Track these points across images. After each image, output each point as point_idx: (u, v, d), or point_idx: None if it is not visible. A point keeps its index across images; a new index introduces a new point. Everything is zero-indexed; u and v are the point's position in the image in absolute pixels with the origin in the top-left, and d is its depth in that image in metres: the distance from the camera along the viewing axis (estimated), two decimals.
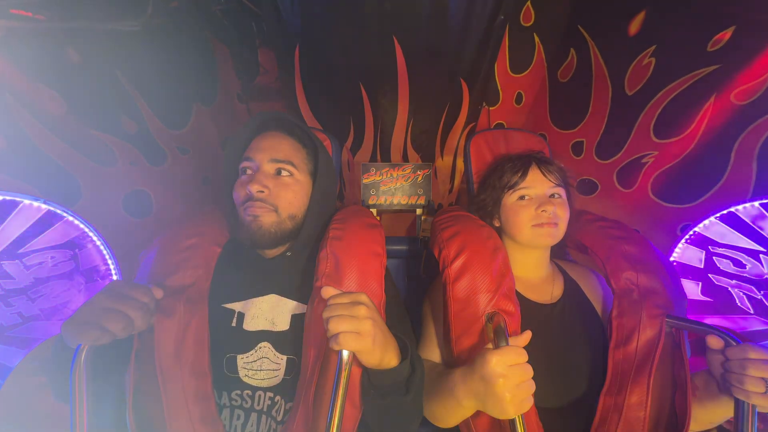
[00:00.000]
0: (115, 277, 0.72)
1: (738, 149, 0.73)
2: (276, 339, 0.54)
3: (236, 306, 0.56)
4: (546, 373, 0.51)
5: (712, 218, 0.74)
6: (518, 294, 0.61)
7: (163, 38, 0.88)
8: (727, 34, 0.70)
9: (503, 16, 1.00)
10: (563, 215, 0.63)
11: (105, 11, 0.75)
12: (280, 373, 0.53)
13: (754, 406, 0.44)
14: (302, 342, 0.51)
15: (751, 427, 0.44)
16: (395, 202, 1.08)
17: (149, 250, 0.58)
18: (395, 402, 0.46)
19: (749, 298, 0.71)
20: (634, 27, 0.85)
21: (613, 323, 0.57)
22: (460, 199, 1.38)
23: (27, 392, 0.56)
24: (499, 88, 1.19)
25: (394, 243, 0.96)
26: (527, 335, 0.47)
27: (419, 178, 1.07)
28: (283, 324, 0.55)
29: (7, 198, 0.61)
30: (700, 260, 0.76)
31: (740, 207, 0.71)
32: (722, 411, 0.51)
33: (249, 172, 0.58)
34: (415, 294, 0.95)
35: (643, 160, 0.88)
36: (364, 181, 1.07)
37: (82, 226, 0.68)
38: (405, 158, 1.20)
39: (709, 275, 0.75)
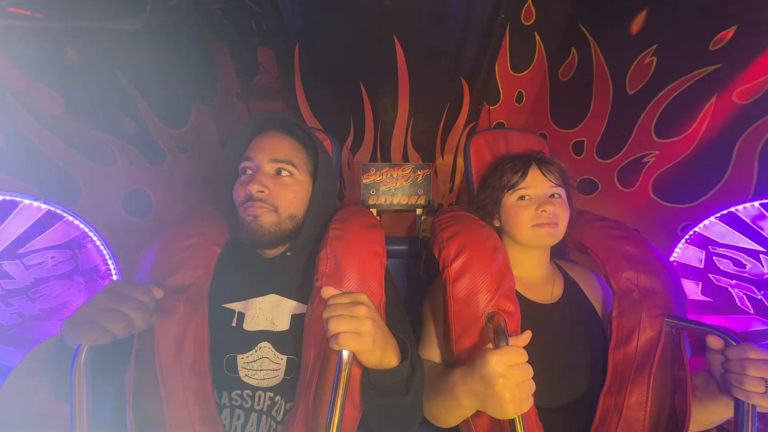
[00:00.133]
0: (115, 277, 0.72)
1: (739, 149, 0.73)
2: (276, 339, 0.54)
3: (236, 306, 0.56)
4: (546, 373, 0.51)
5: (712, 218, 0.74)
6: (518, 294, 0.61)
7: (163, 37, 0.88)
8: (729, 33, 0.70)
9: (504, 15, 0.99)
10: (563, 215, 0.63)
11: (104, 10, 0.74)
12: (280, 373, 0.53)
13: (754, 406, 0.44)
14: (302, 342, 0.51)
15: (751, 427, 0.44)
16: (395, 202, 1.07)
17: (149, 250, 0.58)
18: (395, 402, 0.46)
19: (749, 298, 0.71)
20: (636, 26, 0.85)
21: (613, 323, 0.57)
22: (460, 199, 1.38)
23: (27, 392, 0.56)
24: (500, 87, 1.18)
25: (394, 243, 0.96)
26: (527, 335, 0.47)
27: (419, 178, 1.07)
28: (283, 324, 0.55)
29: (7, 198, 0.61)
30: (700, 260, 0.76)
31: (740, 207, 0.71)
32: (722, 411, 0.51)
33: (249, 172, 0.58)
34: (415, 294, 0.95)
35: (644, 160, 0.88)
36: (364, 181, 1.07)
37: (82, 226, 0.68)
38: (405, 158, 1.20)
39: (709, 275, 0.75)
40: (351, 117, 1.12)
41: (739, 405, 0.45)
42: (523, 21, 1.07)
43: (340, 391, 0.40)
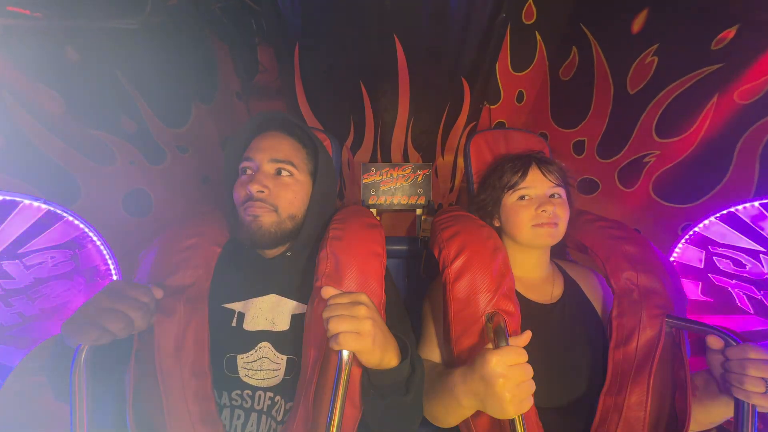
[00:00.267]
0: (115, 277, 0.72)
1: (741, 149, 0.73)
2: (276, 339, 0.54)
3: (236, 306, 0.56)
4: (546, 373, 0.51)
5: (712, 218, 0.74)
6: (518, 294, 0.61)
7: (162, 37, 0.88)
8: (730, 32, 0.70)
9: (504, 14, 0.99)
10: (563, 215, 0.63)
11: (104, 9, 0.74)
12: (280, 373, 0.53)
13: (754, 406, 0.44)
14: (302, 342, 0.51)
15: (751, 427, 0.44)
16: (395, 202, 1.07)
17: (149, 250, 0.58)
18: (395, 402, 0.46)
19: (749, 298, 0.71)
20: (637, 25, 0.85)
21: (613, 323, 0.57)
22: (460, 199, 1.38)
23: (27, 392, 0.56)
24: (500, 86, 1.18)
25: (394, 243, 0.96)
26: (527, 335, 0.47)
27: (419, 178, 1.07)
28: (283, 324, 0.55)
29: (7, 198, 0.61)
30: (700, 260, 0.76)
31: (740, 207, 0.71)
32: (722, 411, 0.51)
33: (249, 172, 0.58)
34: (415, 294, 0.95)
35: (645, 160, 0.88)
36: (364, 181, 1.07)
37: (81, 226, 0.68)
38: (405, 157, 1.20)
39: (709, 275, 0.75)
40: (351, 117, 1.12)
41: (739, 405, 0.45)
42: (523, 20, 1.07)
43: (340, 391, 0.40)
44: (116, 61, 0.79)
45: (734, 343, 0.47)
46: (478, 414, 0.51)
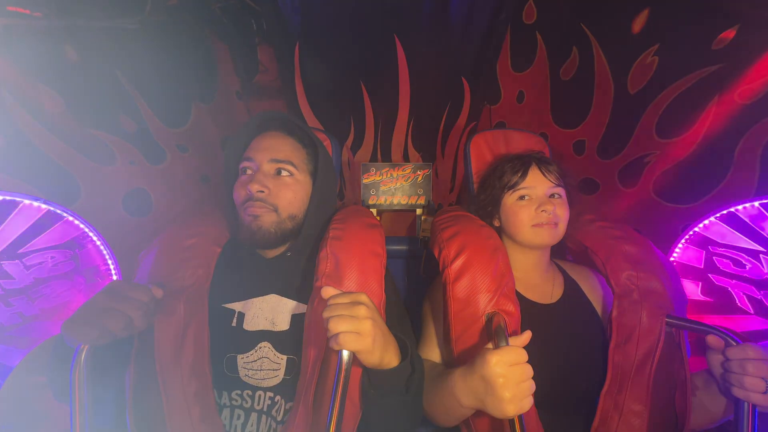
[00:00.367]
0: (114, 277, 0.72)
1: (741, 149, 0.73)
2: (276, 339, 0.54)
3: (236, 306, 0.56)
4: (546, 373, 0.51)
5: (712, 218, 0.74)
6: (518, 294, 0.61)
7: (162, 36, 0.88)
8: (731, 32, 0.70)
9: (505, 14, 0.99)
10: (563, 215, 0.63)
11: (103, 9, 0.74)
12: (280, 373, 0.53)
13: (754, 406, 0.44)
14: (302, 342, 0.51)
15: (750, 427, 0.44)
16: (395, 202, 1.07)
17: (149, 250, 0.58)
18: (395, 402, 0.46)
19: (749, 298, 0.71)
20: (638, 25, 0.85)
21: (613, 323, 0.57)
22: (460, 199, 1.38)
23: (27, 392, 0.56)
24: (501, 86, 1.18)
25: (394, 243, 0.96)
26: (527, 335, 0.47)
27: (419, 178, 1.07)
28: (283, 324, 0.55)
29: (7, 198, 0.61)
30: (700, 260, 0.76)
31: (740, 207, 0.71)
32: (722, 411, 0.51)
33: (249, 172, 0.58)
34: (415, 294, 0.95)
35: (646, 160, 0.88)
36: (364, 181, 1.07)
37: (81, 226, 0.68)
38: (406, 157, 1.20)
39: (709, 275, 0.75)
40: (351, 117, 1.12)
41: (739, 405, 0.45)
42: (524, 20, 1.07)
43: (340, 391, 0.40)
44: (116, 60, 0.79)
45: (734, 343, 0.47)
46: (478, 414, 0.51)
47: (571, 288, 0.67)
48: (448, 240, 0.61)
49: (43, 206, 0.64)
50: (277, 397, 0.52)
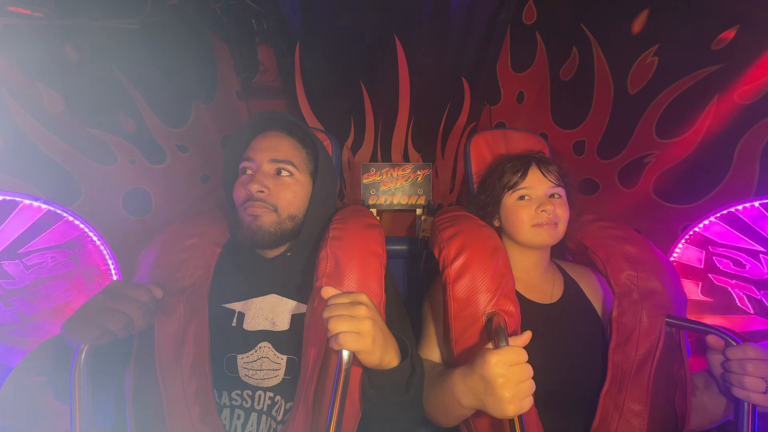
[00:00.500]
0: (114, 277, 0.72)
1: (741, 149, 0.73)
2: (276, 339, 0.54)
3: (236, 306, 0.56)
4: (546, 373, 0.51)
5: (712, 218, 0.74)
6: (518, 294, 0.61)
7: (162, 36, 0.88)
8: (731, 32, 0.70)
9: (505, 15, 0.99)
10: (563, 215, 0.63)
11: (104, 9, 0.74)
12: (280, 373, 0.53)
13: (754, 406, 0.44)
14: (302, 342, 0.51)
15: (750, 427, 0.44)
16: (395, 202, 1.07)
17: (149, 250, 0.58)
18: (395, 402, 0.46)
19: (749, 298, 0.71)
20: (638, 25, 0.85)
21: (613, 323, 0.57)
22: (460, 199, 1.38)
23: (27, 392, 0.56)
24: (501, 87, 1.18)
25: (394, 243, 0.96)
26: (527, 335, 0.47)
27: (419, 178, 1.07)
28: (283, 324, 0.55)
29: (7, 198, 0.61)
30: (700, 260, 0.76)
31: (740, 207, 0.71)
32: (722, 411, 0.51)
33: (249, 172, 0.58)
34: (415, 294, 0.95)
35: (645, 160, 0.88)
36: (364, 181, 1.07)
37: (81, 226, 0.68)
38: (406, 158, 1.20)
39: (709, 275, 0.75)
40: (351, 117, 1.12)
41: (739, 405, 0.45)
42: (524, 20, 1.07)
43: (340, 391, 0.40)
44: (116, 60, 0.80)
45: (734, 343, 0.47)
46: (478, 414, 0.51)
47: (571, 288, 0.67)
48: (448, 240, 0.61)
49: (43, 206, 0.64)
50: (277, 397, 0.52)
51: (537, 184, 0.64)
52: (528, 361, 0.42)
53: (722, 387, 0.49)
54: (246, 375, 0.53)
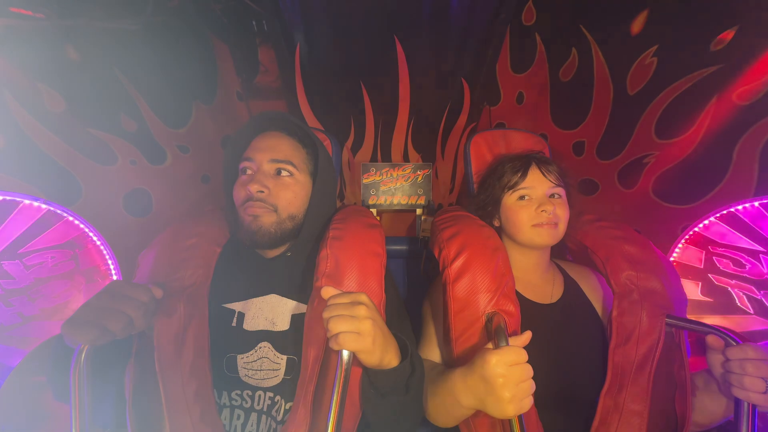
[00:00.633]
0: (115, 277, 0.72)
1: (740, 150, 0.73)
2: (276, 339, 0.54)
3: (236, 306, 0.56)
4: (546, 373, 0.51)
5: (712, 218, 0.74)
6: (518, 294, 0.61)
7: (163, 37, 0.88)
8: (730, 33, 0.70)
9: (504, 16, 1.00)
10: (563, 215, 0.63)
11: (105, 9, 0.75)
12: (280, 373, 0.53)
13: (753, 406, 0.44)
14: (302, 342, 0.51)
15: (750, 427, 0.44)
16: (395, 202, 1.07)
17: (149, 250, 0.58)
18: (395, 402, 0.46)
19: (749, 298, 0.71)
20: (637, 26, 0.85)
21: (613, 323, 0.57)
22: (460, 199, 1.38)
23: (27, 392, 0.56)
24: (500, 87, 1.18)
25: (394, 243, 0.96)
26: (527, 335, 0.47)
27: (419, 178, 1.07)
28: (283, 324, 0.55)
29: (7, 198, 0.61)
30: (700, 260, 0.76)
31: (740, 207, 0.71)
32: (722, 411, 0.51)
33: (249, 172, 0.58)
34: (415, 294, 0.95)
35: (645, 161, 0.88)
36: (364, 181, 1.07)
37: (82, 226, 0.68)
38: (406, 158, 1.20)
39: (709, 275, 0.75)
40: (351, 117, 1.12)
41: (739, 405, 0.45)
42: (523, 21, 1.07)
43: (340, 391, 0.40)
44: (117, 61, 0.80)
45: (734, 343, 0.47)
46: (478, 414, 0.51)
47: (571, 288, 0.67)
48: (448, 240, 0.61)
49: (43, 206, 0.64)
50: (277, 397, 0.52)
51: (537, 184, 0.64)
52: (528, 361, 0.42)
53: (722, 387, 0.49)
54: (246, 375, 0.53)
